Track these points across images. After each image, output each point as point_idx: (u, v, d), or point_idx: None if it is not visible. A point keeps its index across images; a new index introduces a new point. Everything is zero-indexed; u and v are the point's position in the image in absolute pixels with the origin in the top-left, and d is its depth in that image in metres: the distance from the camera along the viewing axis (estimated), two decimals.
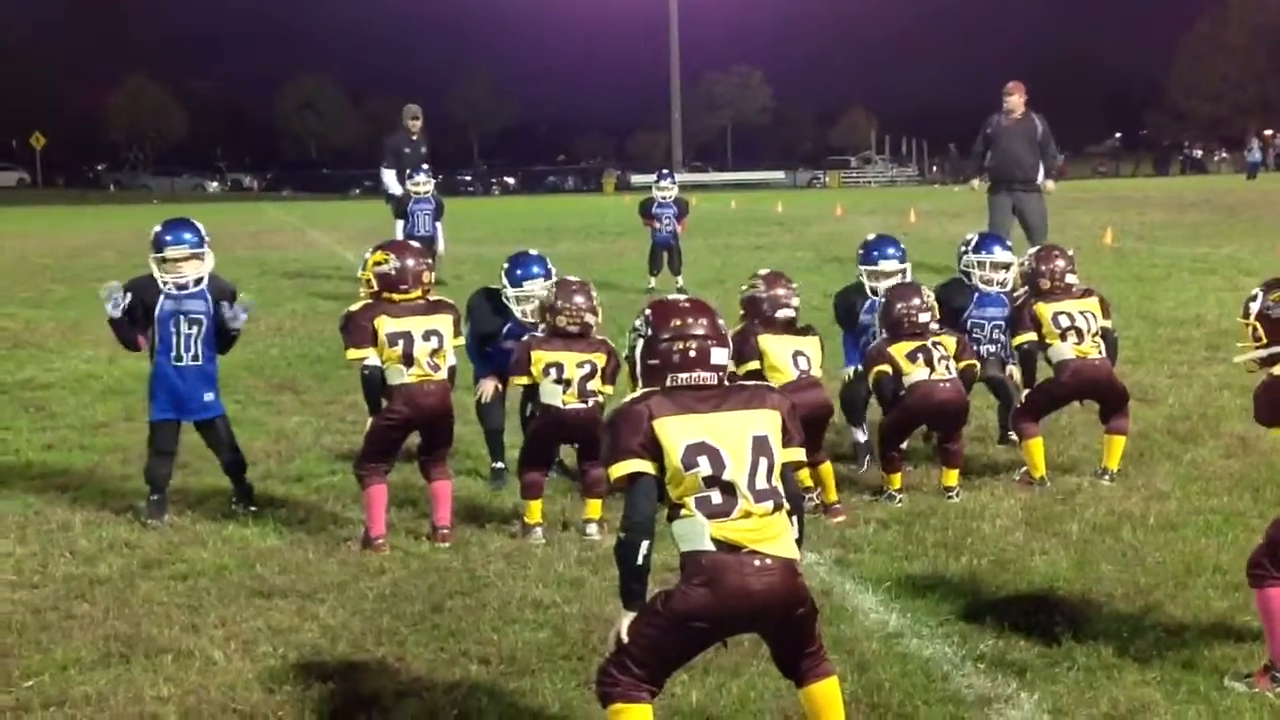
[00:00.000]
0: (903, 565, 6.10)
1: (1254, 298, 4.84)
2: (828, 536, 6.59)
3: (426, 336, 6.50)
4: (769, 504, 3.78)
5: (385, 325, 6.46)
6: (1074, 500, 7.11)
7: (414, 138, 18.52)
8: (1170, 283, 16.70)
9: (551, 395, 6.66)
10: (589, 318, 6.78)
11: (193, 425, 7.30)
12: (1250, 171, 56.14)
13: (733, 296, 7.86)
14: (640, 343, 3.98)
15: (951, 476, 7.29)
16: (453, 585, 5.93)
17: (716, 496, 3.76)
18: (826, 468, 7.00)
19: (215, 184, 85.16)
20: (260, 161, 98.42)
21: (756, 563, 3.72)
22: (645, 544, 3.76)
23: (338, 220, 38.66)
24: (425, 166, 17.77)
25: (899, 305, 7.32)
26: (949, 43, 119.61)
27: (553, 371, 6.65)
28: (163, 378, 7.09)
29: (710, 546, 3.72)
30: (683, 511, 3.78)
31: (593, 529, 6.65)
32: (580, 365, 6.66)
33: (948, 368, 7.24)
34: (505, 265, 7.57)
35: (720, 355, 3.94)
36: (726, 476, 3.76)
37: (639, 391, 3.92)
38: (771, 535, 3.77)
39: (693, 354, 3.89)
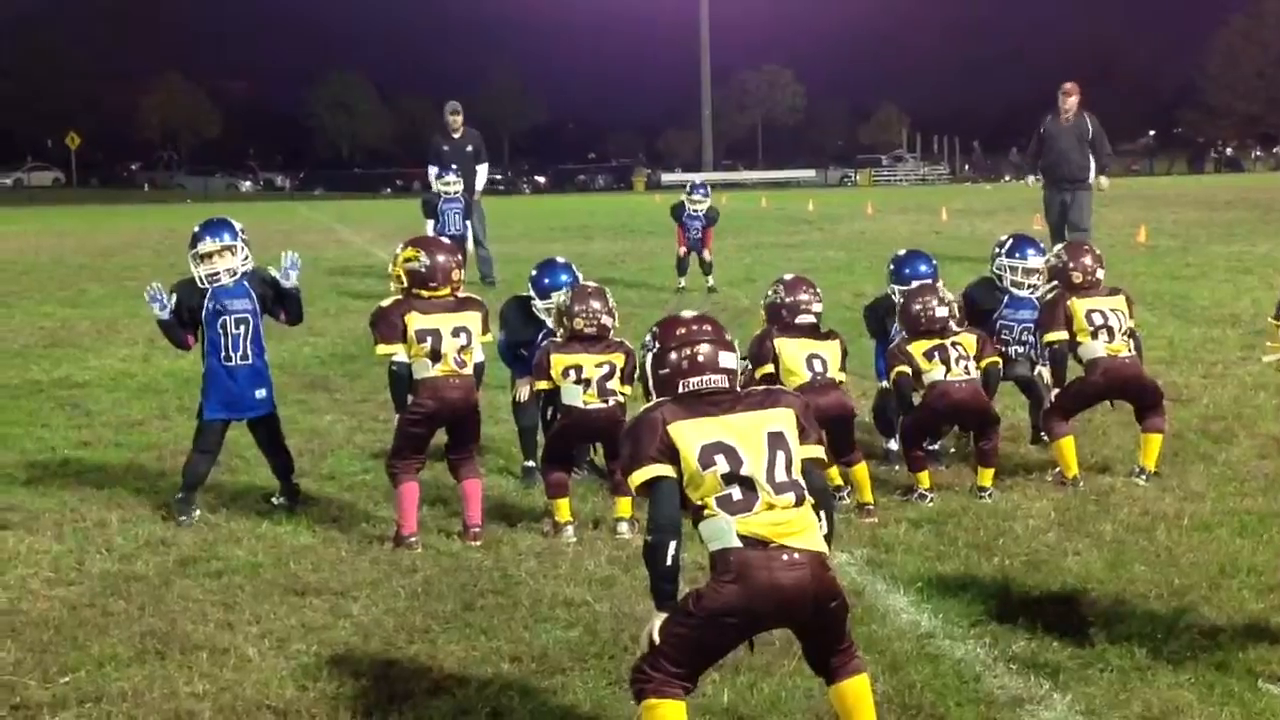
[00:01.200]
0: (934, 565, 6.08)
1: None
2: (859, 536, 6.58)
3: (455, 333, 6.54)
4: (790, 496, 3.81)
5: (415, 321, 6.49)
6: (1107, 501, 7.07)
7: (455, 135, 18.51)
8: (1204, 282, 16.59)
9: (572, 396, 6.71)
10: (605, 319, 6.84)
11: (244, 424, 7.35)
12: None
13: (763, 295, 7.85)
14: (649, 357, 4.05)
15: (986, 476, 7.26)
16: (484, 584, 5.95)
17: (737, 493, 3.79)
18: (861, 469, 7.00)
19: (248, 183, 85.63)
20: (292, 160, 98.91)
21: (785, 557, 3.74)
22: (673, 544, 3.79)
23: (369, 219, 38.83)
24: (454, 166, 17.81)
25: (916, 303, 7.34)
26: (981, 40, 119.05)
27: (572, 373, 6.70)
28: (215, 378, 7.14)
29: (738, 543, 3.75)
30: (706, 512, 3.81)
31: (624, 527, 6.66)
32: (599, 366, 6.73)
33: (966, 368, 7.22)
34: (533, 273, 7.60)
35: (728, 359, 3.99)
36: (744, 472, 3.79)
37: (652, 401, 3.98)
38: (798, 529, 3.79)
39: (700, 358, 3.96)
